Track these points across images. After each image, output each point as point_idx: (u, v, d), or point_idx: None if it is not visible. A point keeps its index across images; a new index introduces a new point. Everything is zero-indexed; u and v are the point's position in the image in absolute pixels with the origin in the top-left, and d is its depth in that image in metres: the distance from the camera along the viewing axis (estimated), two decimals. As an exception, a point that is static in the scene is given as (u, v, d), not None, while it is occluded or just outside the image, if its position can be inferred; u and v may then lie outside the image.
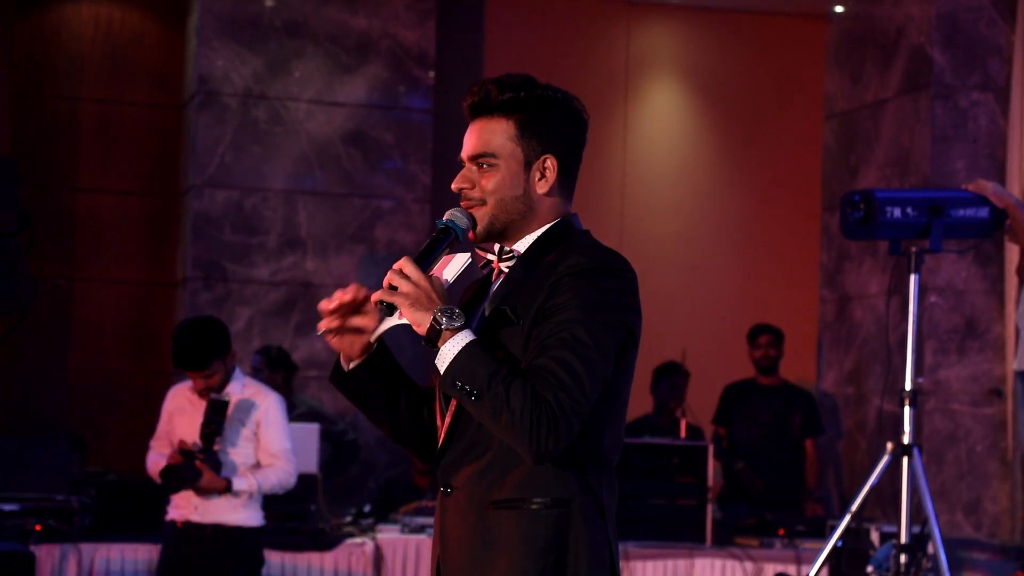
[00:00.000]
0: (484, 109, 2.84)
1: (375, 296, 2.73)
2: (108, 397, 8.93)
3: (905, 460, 5.43)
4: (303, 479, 6.92)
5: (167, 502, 5.78)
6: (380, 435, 8.68)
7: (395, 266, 2.71)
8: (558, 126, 2.84)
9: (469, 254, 2.83)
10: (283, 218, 8.59)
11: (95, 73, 9.01)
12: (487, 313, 2.79)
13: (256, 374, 7.56)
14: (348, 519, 7.01)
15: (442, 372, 2.68)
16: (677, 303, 9.42)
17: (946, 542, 5.52)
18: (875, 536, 6.54)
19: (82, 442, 7.59)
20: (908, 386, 5.49)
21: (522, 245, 2.84)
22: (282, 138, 8.61)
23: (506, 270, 2.83)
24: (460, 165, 2.89)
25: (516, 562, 2.70)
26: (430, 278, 2.71)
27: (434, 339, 2.67)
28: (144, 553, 6.46)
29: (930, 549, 5.47)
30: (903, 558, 5.47)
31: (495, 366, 2.65)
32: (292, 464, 5.79)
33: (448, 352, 2.66)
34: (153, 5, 9.11)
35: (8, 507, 6.35)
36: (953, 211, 5.53)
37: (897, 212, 5.49)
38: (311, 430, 6.98)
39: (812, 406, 8.33)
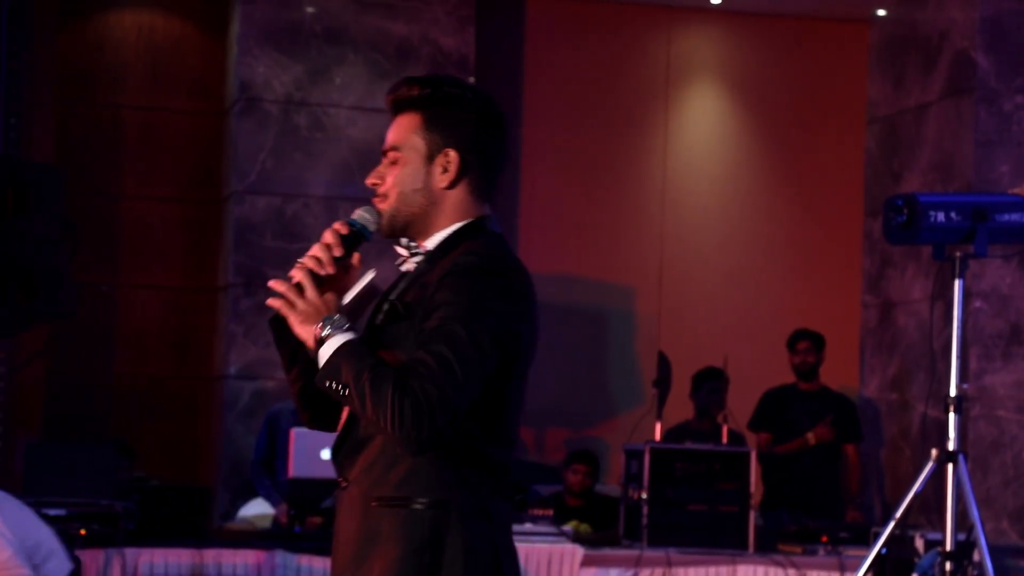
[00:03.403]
0: (398, 105, 2.95)
1: (270, 302, 2.84)
2: (151, 403, 8.98)
3: (950, 467, 5.39)
4: (334, 485, 6.94)
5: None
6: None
7: (294, 278, 2.81)
8: (463, 122, 2.89)
9: (373, 270, 2.92)
10: (324, 224, 8.53)
11: (137, 81, 9.06)
12: (386, 308, 2.86)
13: None
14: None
15: (318, 373, 2.76)
16: (718, 309, 9.39)
17: (992, 550, 5.47)
18: (920, 543, 6.50)
19: (128, 448, 7.64)
20: (953, 392, 5.45)
21: (431, 242, 2.90)
22: (323, 145, 8.64)
23: (413, 267, 2.89)
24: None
25: (393, 560, 2.74)
26: (322, 297, 2.79)
27: (318, 345, 2.76)
28: (187, 558, 6.49)
29: (976, 557, 5.43)
30: (948, 566, 5.42)
31: (366, 361, 2.70)
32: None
33: (324, 353, 2.75)
34: (194, 13, 9.16)
35: (54, 512, 6.39)
36: (998, 215, 5.48)
37: (941, 216, 5.45)
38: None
39: (851, 411, 8.29)
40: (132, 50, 9.06)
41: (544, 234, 9.18)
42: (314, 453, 6.87)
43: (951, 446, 5.40)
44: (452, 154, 2.88)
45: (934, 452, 5.43)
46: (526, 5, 9.53)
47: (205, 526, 6.85)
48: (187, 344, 9.05)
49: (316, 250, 2.88)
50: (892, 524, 5.50)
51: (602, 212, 9.48)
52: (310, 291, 2.80)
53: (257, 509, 7.55)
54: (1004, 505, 7.61)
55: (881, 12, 8.70)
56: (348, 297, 2.87)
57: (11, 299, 5.33)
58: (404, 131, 2.92)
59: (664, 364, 7.73)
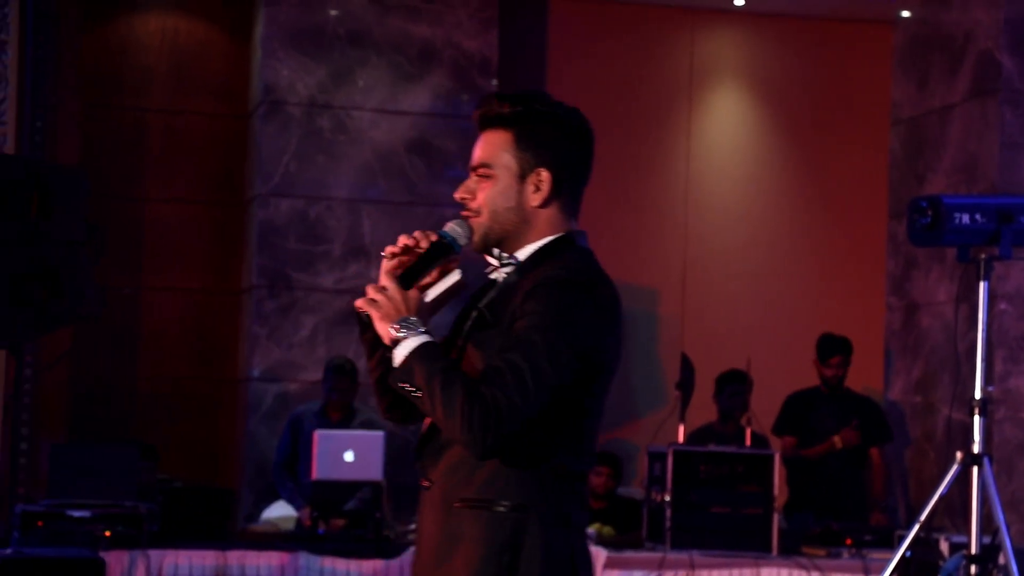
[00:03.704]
0: (486, 122, 2.95)
1: (356, 303, 2.88)
2: (174, 405, 9.00)
3: (975, 469, 5.37)
4: (368, 486, 6.96)
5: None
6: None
7: (380, 280, 2.86)
8: (555, 140, 2.92)
9: (460, 273, 2.93)
10: (347, 227, 8.63)
11: (161, 84, 9.09)
12: (473, 316, 2.91)
13: (342, 395, 7.64)
14: (413, 527, 7.02)
15: (392, 372, 2.81)
16: (741, 311, 9.37)
17: (1017, 553, 5.45)
18: (944, 547, 6.47)
19: (152, 450, 7.66)
20: (978, 395, 5.43)
21: (522, 254, 2.93)
22: (346, 147, 8.66)
23: (503, 276, 2.92)
24: None
25: (473, 560, 2.80)
26: (404, 294, 2.84)
27: (394, 346, 2.81)
28: (211, 559, 6.51)
29: (1001, 560, 5.41)
30: (973, 569, 5.40)
31: (439, 364, 2.76)
32: None
33: (399, 354, 2.80)
34: (219, 17, 9.18)
35: (79, 513, 6.42)
36: (1023, 217, 5.46)
37: (965, 218, 5.43)
38: (376, 438, 7.01)
39: (876, 413, 8.26)
40: (156, 53, 9.09)
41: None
42: (337, 455, 6.88)
43: (976, 449, 5.38)
44: (544, 173, 2.92)
45: (959, 455, 5.41)
46: (549, 7, 9.53)
47: (229, 528, 6.87)
48: (210, 347, 9.08)
49: (404, 240, 2.91)
50: (917, 527, 5.48)
51: (625, 214, 9.47)
52: (392, 289, 2.85)
53: (281, 511, 7.56)
54: (1029, 508, 7.57)
55: (905, 13, 8.68)
56: (432, 294, 2.91)
57: (36, 301, 5.35)
58: (494, 148, 2.93)
59: (687, 366, 7.72)
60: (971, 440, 5.40)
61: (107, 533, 6.38)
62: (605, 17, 9.59)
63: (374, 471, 6.87)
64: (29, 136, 7.93)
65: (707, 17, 9.67)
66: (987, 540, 5.48)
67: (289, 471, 7.69)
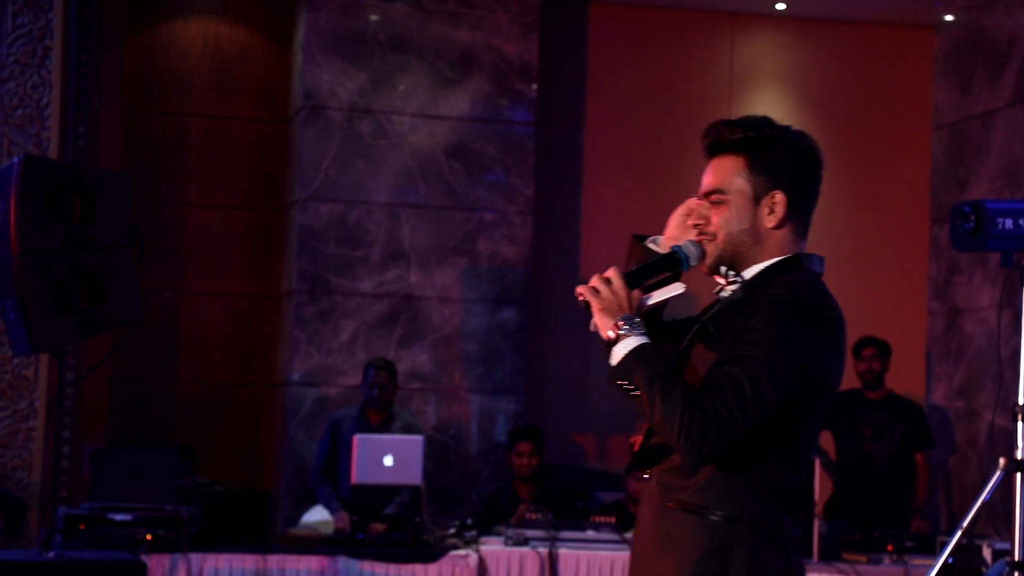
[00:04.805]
0: (717, 148, 3.03)
1: (578, 290, 2.92)
2: (213, 409, 9.04)
3: (1018, 476, 5.33)
4: (407, 491, 6.96)
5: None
6: (482, 447, 8.69)
7: (605, 273, 2.92)
8: (787, 163, 2.98)
9: (685, 287, 3.01)
10: (387, 231, 8.65)
11: (203, 89, 9.14)
12: (695, 329, 2.96)
13: (382, 391, 7.67)
14: (452, 531, 7.03)
15: (610, 368, 2.87)
16: (782, 316, 9.31)
17: (1061, 560, 5.40)
18: (987, 553, 6.42)
19: (191, 453, 7.69)
20: (1021, 401, 5.38)
21: (749, 272, 2.99)
22: (386, 151, 8.67)
23: (728, 293, 2.99)
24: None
25: (681, 563, 2.86)
26: (628, 291, 2.91)
27: (612, 342, 2.86)
28: (251, 563, 6.53)
29: (1044, 567, 5.36)
30: (1016, 576, 5.36)
31: (660, 368, 2.82)
32: None
33: (619, 351, 2.85)
34: (259, 22, 9.22)
35: (120, 517, 6.45)
36: (1066, 222, 5.42)
37: (1008, 223, 5.39)
38: (415, 442, 7.01)
39: (920, 418, 8.20)
40: (197, 58, 9.14)
41: (607, 242, 9.15)
42: (377, 459, 6.89)
43: (1019, 455, 5.34)
44: (779, 196, 2.96)
45: (1002, 461, 5.37)
46: (589, 12, 9.53)
47: (268, 531, 6.89)
48: (250, 351, 9.11)
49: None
50: (959, 533, 5.44)
51: (665, 219, 9.44)
52: (616, 283, 2.90)
53: (320, 515, 7.58)
54: (1073, 516, 7.50)
55: (948, 17, 8.62)
56: (654, 299, 2.99)
57: (78, 305, 5.37)
58: (727, 174, 2.99)
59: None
60: (1014, 446, 5.36)
61: (148, 536, 6.41)
62: (645, 22, 9.57)
63: (413, 475, 6.87)
64: (72, 141, 7.99)
65: (747, 21, 9.64)
66: (1031, 547, 5.43)
67: (328, 475, 7.71)
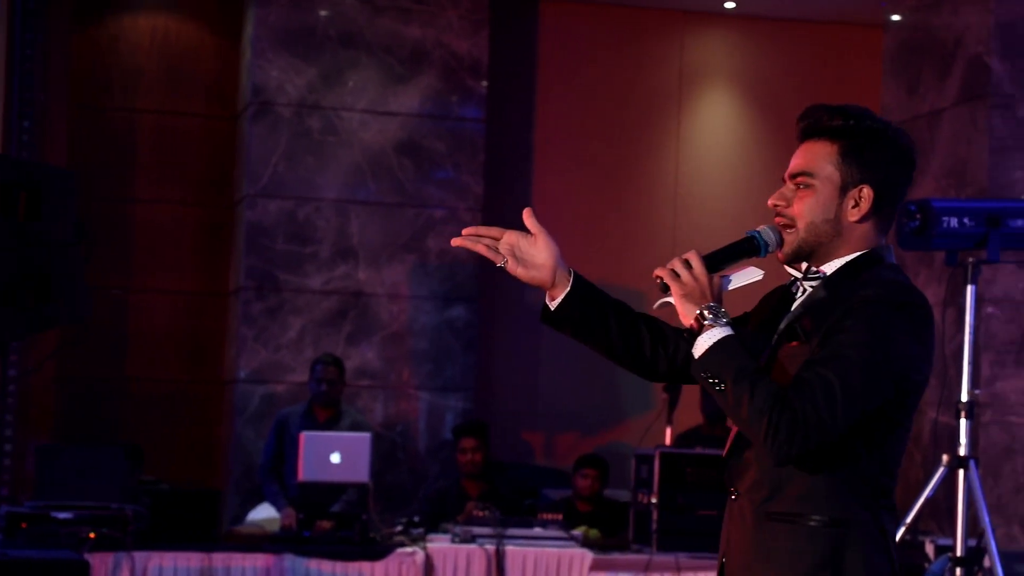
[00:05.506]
0: (812, 132, 2.94)
1: (657, 271, 2.88)
2: (163, 406, 8.98)
3: (961, 472, 5.38)
4: (354, 488, 6.94)
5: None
6: (430, 445, 8.68)
7: (685, 255, 2.87)
8: (881, 158, 2.89)
9: (762, 272, 2.95)
10: (336, 228, 8.62)
11: (151, 84, 9.08)
12: (782, 328, 2.88)
13: (331, 386, 7.64)
14: (399, 528, 7.02)
15: (695, 360, 2.80)
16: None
17: (1003, 556, 5.46)
18: (930, 549, 6.47)
19: (137, 451, 7.64)
20: (964, 398, 5.43)
21: (829, 268, 2.91)
22: (335, 148, 8.64)
23: (809, 289, 2.91)
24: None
25: (791, 574, 2.78)
26: (710, 276, 2.85)
27: (696, 331, 2.80)
28: (196, 561, 6.49)
29: (986, 563, 5.41)
30: (959, 572, 5.40)
31: (746, 362, 2.74)
32: None
33: (703, 342, 2.79)
34: (209, 17, 9.17)
35: (63, 515, 6.40)
36: (1011, 221, 5.47)
37: (954, 222, 5.44)
38: (363, 439, 7.00)
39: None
40: (146, 54, 9.07)
41: (557, 239, 9.15)
42: (324, 457, 6.87)
43: (962, 452, 5.39)
44: (867, 190, 2.88)
45: (945, 458, 5.41)
46: (540, 9, 9.53)
47: (214, 530, 6.85)
48: (199, 348, 9.06)
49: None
50: (903, 529, 5.48)
51: (614, 216, 9.47)
52: (698, 267, 2.85)
53: (266, 513, 7.55)
54: (1015, 511, 7.58)
55: (895, 17, 8.68)
56: (734, 284, 2.94)
57: (24, 302, 5.33)
58: (818, 159, 2.91)
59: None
60: (957, 443, 5.41)
61: (92, 535, 6.35)
62: (595, 19, 9.59)
63: (360, 473, 6.85)
64: (17, 137, 7.92)
65: (697, 19, 9.67)
66: (973, 543, 5.48)
67: (275, 473, 7.68)
